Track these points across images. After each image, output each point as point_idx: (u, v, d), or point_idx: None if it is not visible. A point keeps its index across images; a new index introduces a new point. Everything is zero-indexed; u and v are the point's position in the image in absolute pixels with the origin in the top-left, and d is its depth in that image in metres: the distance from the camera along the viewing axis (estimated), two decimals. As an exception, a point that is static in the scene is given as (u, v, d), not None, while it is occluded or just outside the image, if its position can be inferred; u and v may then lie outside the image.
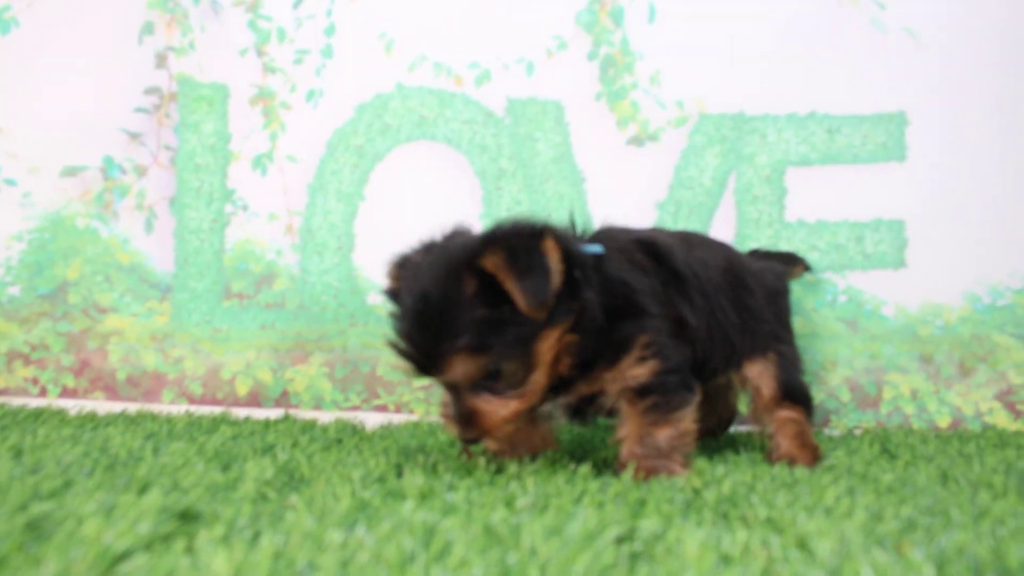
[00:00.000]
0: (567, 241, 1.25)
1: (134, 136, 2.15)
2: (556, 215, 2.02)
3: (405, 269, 1.29)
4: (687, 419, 1.29)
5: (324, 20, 2.12)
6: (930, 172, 1.99)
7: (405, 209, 2.09)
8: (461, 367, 1.19)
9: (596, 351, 1.27)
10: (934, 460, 1.45)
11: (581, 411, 1.35)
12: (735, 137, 2.03)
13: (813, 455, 1.51)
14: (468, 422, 1.23)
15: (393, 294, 1.30)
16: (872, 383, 1.98)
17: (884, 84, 2.01)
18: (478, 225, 2.05)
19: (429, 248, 1.29)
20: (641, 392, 1.28)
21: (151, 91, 2.15)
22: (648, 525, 0.85)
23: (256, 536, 0.82)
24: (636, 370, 1.28)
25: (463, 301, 1.18)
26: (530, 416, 1.31)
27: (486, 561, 0.73)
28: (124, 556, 0.75)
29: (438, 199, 2.09)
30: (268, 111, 2.13)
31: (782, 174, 2.02)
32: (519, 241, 1.21)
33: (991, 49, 1.98)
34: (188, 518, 0.90)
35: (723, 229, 2.02)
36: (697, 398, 1.32)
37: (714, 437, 1.76)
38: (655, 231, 1.57)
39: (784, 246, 1.97)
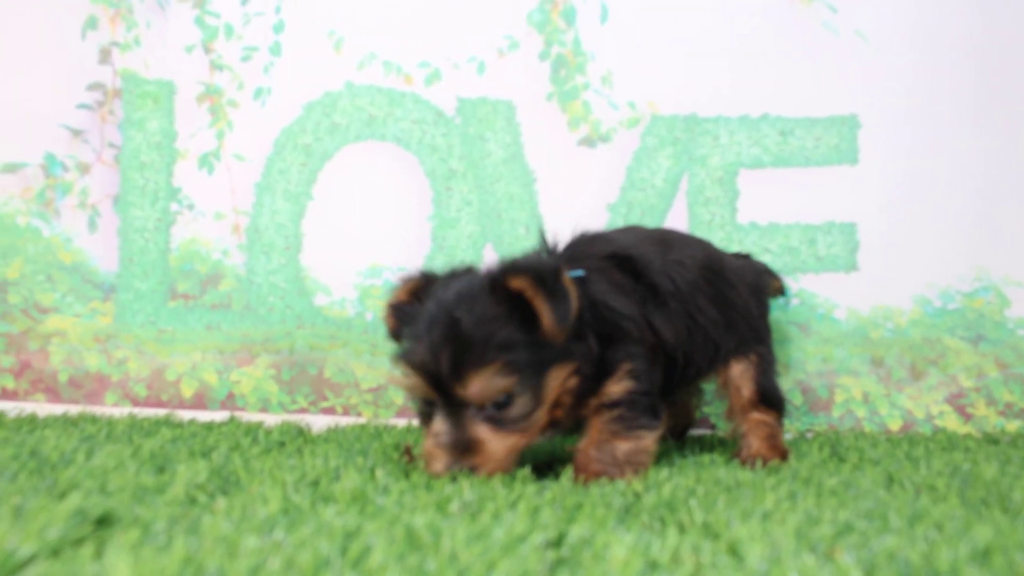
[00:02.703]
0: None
1: (76, 133, 2.10)
2: (507, 216, 2.01)
3: (425, 284, 1.29)
4: (649, 439, 1.30)
5: (273, 17, 2.09)
6: (882, 175, 1.99)
7: (354, 209, 2.06)
8: (482, 383, 1.18)
9: (592, 379, 1.28)
10: (881, 463, 1.45)
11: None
12: (687, 139, 2.02)
13: (781, 457, 1.54)
14: (465, 449, 1.20)
15: (397, 309, 1.30)
16: (824, 386, 1.98)
17: (836, 87, 2.01)
18: (427, 226, 2.04)
19: (450, 275, 1.31)
20: (610, 405, 1.29)
21: (94, 87, 2.11)
22: (578, 530, 0.83)
23: (171, 541, 0.79)
24: (613, 388, 1.29)
25: (495, 319, 1.19)
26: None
27: (404, 567, 0.70)
28: (28, 562, 0.72)
29: (387, 199, 2.06)
30: (215, 109, 2.09)
31: (734, 176, 2.01)
32: (543, 268, 1.22)
33: (943, 52, 1.98)
34: (105, 522, 0.87)
35: (675, 231, 2.00)
36: (661, 429, 1.33)
37: (664, 441, 1.75)
38: (629, 237, 1.53)
39: (736, 248, 1.96)
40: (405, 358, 1.22)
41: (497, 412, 1.20)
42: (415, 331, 1.23)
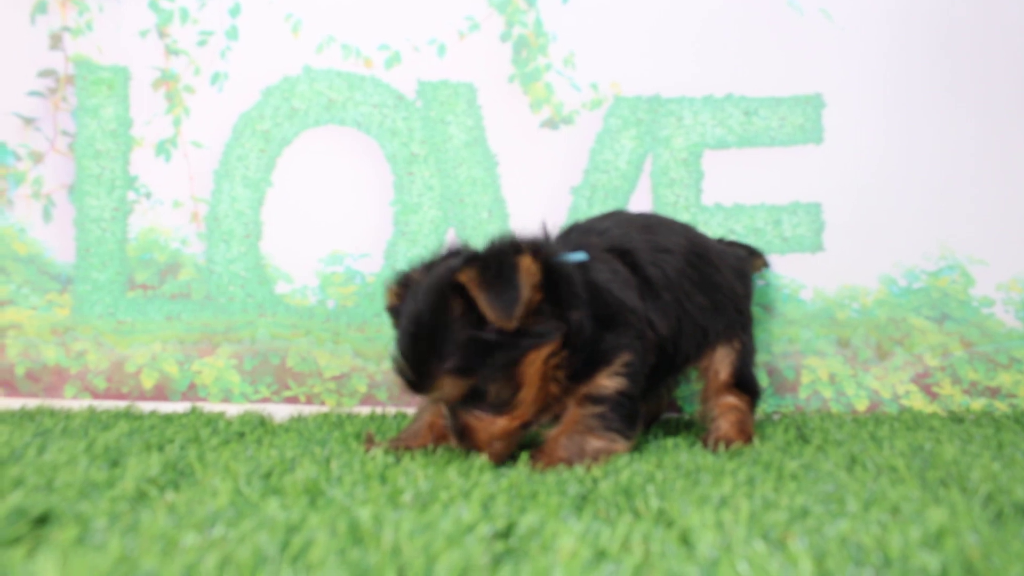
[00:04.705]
0: (550, 256, 1.27)
1: (28, 121, 2.06)
2: (469, 200, 1.99)
3: (407, 288, 1.31)
4: (621, 445, 1.30)
5: (228, 0, 2.05)
6: (847, 155, 1.98)
7: (314, 196, 2.03)
8: (447, 388, 1.22)
9: (586, 361, 1.29)
10: (844, 445, 1.43)
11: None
12: (651, 120, 2.00)
13: (747, 441, 1.53)
14: (462, 437, 1.25)
15: (394, 311, 1.33)
16: (790, 367, 1.97)
17: (801, 66, 1.99)
18: (388, 211, 2.02)
19: (428, 267, 1.31)
20: (596, 400, 1.29)
21: (46, 73, 2.06)
22: (529, 520, 0.81)
23: (107, 540, 0.77)
24: (606, 381, 1.30)
25: (450, 323, 1.21)
26: (527, 430, 1.31)
27: (344, 561, 0.68)
28: (-45, 564, 0.70)
29: (348, 185, 2.03)
30: (171, 95, 2.05)
31: (699, 157, 2.00)
32: (494, 256, 1.24)
33: (907, 31, 1.97)
34: (45, 521, 0.84)
35: (639, 213, 1.98)
36: (634, 441, 1.34)
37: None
38: (619, 227, 1.53)
39: (701, 230, 1.94)
40: (393, 363, 1.27)
41: (477, 402, 1.24)
42: (397, 337, 1.28)
